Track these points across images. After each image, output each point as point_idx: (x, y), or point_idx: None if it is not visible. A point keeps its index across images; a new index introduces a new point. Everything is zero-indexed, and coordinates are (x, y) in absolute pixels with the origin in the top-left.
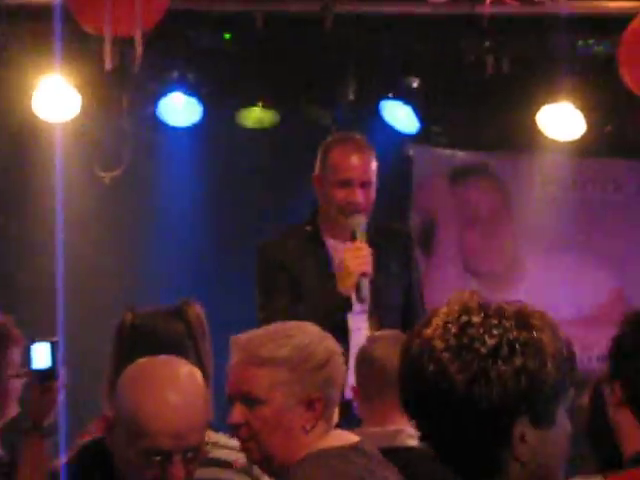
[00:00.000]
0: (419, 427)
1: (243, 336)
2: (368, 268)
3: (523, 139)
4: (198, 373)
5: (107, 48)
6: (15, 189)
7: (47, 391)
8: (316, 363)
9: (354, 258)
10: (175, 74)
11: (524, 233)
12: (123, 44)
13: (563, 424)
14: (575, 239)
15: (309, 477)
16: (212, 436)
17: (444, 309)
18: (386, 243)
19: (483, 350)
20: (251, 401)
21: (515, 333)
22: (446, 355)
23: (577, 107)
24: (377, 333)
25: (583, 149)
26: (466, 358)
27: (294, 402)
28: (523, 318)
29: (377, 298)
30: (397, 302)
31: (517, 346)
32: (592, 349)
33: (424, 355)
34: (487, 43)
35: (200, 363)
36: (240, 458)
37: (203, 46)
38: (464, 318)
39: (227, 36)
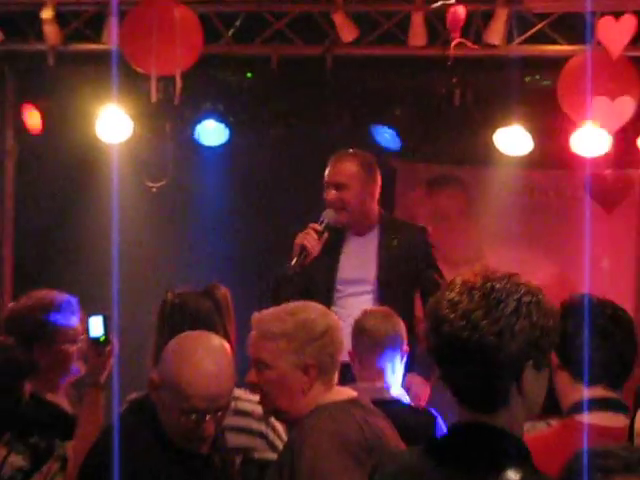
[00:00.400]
0: (444, 373)
1: (258, 314)
2: (306, 243)
3: (484, 155)
4: (227, 345)
5: (153, 84)
6: (82, 194)
7: (101, 355)
8: (312, 336)
9: (302, 234)
10: (208, 105)
11: (485, 229)
12: (166, 81)
13: (548, 369)
14: (525, 234)
15: (315, 426)
16: (235, 391)
17: (460, 279)
18: (405, 236)
19: (507, 310)
20: (262, 366)
21: (529, 296)
22: (478, 313)
23: (526, 129)
24: (369, 308)
25: (530, 163)
26: (495, 316)
27: (293, 368)
28: (528, 285)
29: (383, 276)
30: (403, 283)
31: (532, 306)
32: None
33: (454, 314)
34: (454, 79)
35: (226, 335)
36: (257, 409)
37: (229, 82)
38: (488, 285)
39: (249, 74)
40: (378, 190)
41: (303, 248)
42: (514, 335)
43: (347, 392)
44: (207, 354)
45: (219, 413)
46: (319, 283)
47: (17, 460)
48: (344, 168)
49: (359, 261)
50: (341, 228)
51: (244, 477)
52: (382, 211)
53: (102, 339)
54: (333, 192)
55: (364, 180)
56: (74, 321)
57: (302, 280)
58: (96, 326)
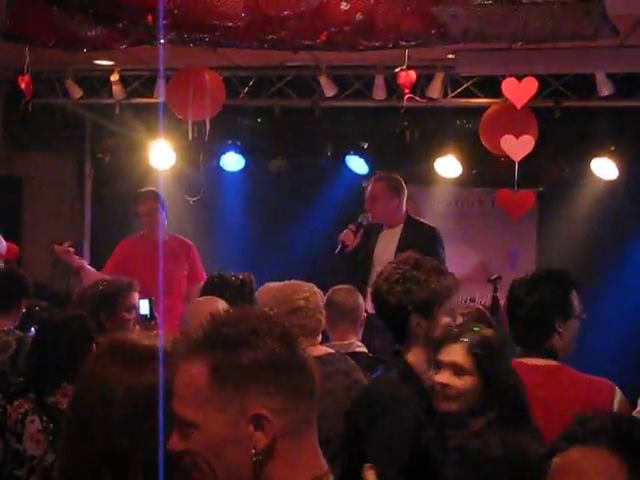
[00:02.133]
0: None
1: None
2: (343, 238)
3: (427, 177)
4: (227, 306)
5: (190, 127)
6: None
7: (147, 328)
8: (291, 308)
9: (343, 232)
10: (229, 141)
11: None
12: (199, 124)
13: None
14: (456, 234)
15: None
16: None
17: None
18: (415, 232)
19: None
20: None
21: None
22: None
23: (457, 159)
24: (337, 287)
25: (460, 182)
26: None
27: None
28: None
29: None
30: None
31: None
32: (466, 294)
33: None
34: (406, 123)
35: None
36: None
37: (244, 125)
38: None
39: (258, 120)
40: (402, 199)
41: (341, 242)
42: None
43: (325, 349)
44: (221, 303)
45: None
46: (362, 261)
47: None
48: (374, 187)
49: (386, 246)
50: (378, 223)
51: None
52: (408, 212)
53: (148, 316)
54: (367, 202)
55: (388, 196)
56: (132, 296)
57: (349, 261)
58: (144, 307)
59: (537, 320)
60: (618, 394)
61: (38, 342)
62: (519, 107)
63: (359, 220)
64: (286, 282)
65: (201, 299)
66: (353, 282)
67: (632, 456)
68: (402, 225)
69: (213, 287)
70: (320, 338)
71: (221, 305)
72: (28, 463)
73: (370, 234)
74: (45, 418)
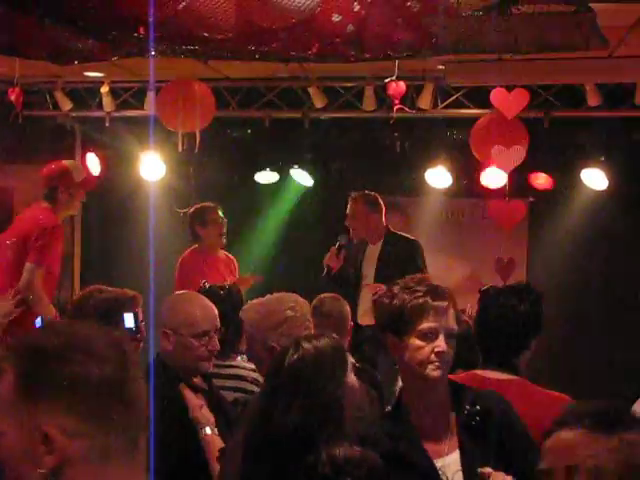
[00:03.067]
0: None
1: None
2: (327, 262)
3: (417, 188)
4: (206, 302)
5: (179, 139)
6: (129, 216)
7: (134, 340)
8: (279, 320)
9: (326, 256)
10: (219, 153)
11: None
12: (189, 136)
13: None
14: (446, 245)
15: None
16: (236, 360)
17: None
18: (394, 246)
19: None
20: None
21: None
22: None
23: (447, 169)
24: (322, 295)
25: (450, 193)
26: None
27: None
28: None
29: (378, 275)
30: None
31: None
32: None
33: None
34: (396, 134)
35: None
36: (251, 374)
37: (234, 137)
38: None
39: (248, 131)
40: (380, 214)
41: (326, 265)
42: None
43: None
44: (197, 297)
45: (217, 331)
46: (350, 280)
47: None
48: (352, 205)
49: (369, 262)
50: (363, 241)
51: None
52: (388, 227)
53: (133, 330)
54: (349, 221)
55: (366, 212)
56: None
57: (336, 281)
58: (129, 320)
59: (517, 334)
60: None
61: None
62: (509, 118)
63: (338, 241)
64: (268, 296)
65: (179, 293)
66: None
67: (608, 431)
68: (382, 241)
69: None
70: None
71: (199, 301)
72: None
73: (357, 252)
74: None
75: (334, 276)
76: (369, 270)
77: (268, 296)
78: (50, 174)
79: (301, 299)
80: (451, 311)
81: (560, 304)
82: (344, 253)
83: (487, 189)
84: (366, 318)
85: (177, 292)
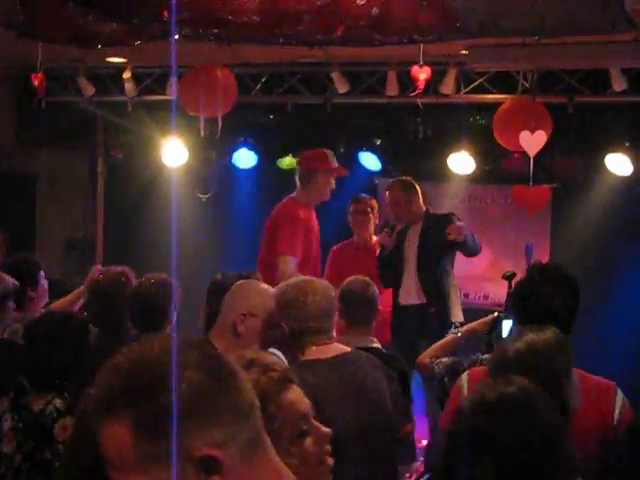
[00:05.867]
0: None
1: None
2: (382, 241)
3: (440, 173)
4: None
5: (202, 123)
6: (151, 203)
7: None
8: (287, 302)
9: (379, 236)
10: (241, 138)
11: None
12: (211, 122)
13: None
14: (469, 231)
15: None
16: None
17: None
18: (433, 226)
19: None
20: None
21: None
22: None
23: (470, 155)
24: (351, 277)
25: (473, 179)
26: None
27: None
28: None
29: (420, 257)
30: (432, 253)
31: None
32: (481, 291)
33: None
34: (418, 119)
35: None
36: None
37: (257, 122)
38: None
39: (271, 117)
40: (419, 197)
41: (380, 245)
42: None
43: (342, 347)
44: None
45: None
46: (396, 263)
47: (57, 402)
48: (392, 194)
49: (411, 244)
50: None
51: None
52: (427, 209)
53: None
54: (391, 208)
55: (405, 197)
56: None
57: (387, 263)
58: None
59: (568, 313)
60: (619, 394)
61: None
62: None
63: (390, 222)
64: (293, 278)
65: (241, 282)
66: (388, 282)
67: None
68: (422, 222)
69: (216, 287)
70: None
71: (263, 286)
72: (3, 461)
73: (400, 235)
74: (16, 417)
75: (386, 257)
76: (411, 253)
77: (293, 278)
78: (311, 157)
79: (322, 284)
80: None
81: (583, 290)
82: (396, 232)
83: (510, 175)
84: (407, 297)
85: (241, 282)
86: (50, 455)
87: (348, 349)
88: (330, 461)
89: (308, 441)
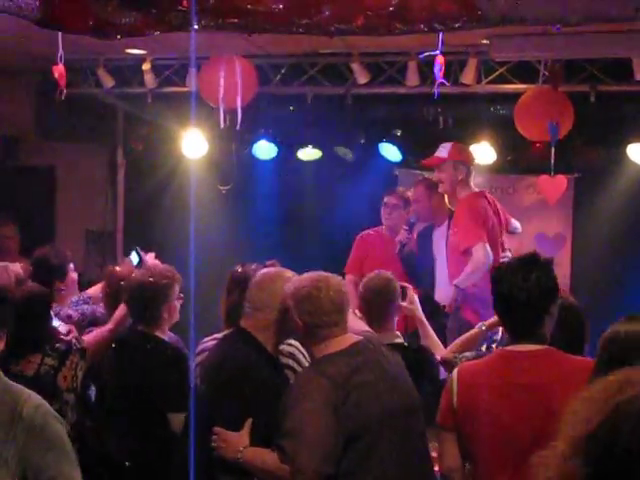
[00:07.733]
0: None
1: None
2: (400, 238)
3: None
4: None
5: (221, 115)
6: (171, 194)
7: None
8: (301, 297)
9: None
10: (262, 130)
11: None
12: (231, 113)
13: None
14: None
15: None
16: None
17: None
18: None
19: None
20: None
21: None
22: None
23: (491, 145)
24: (371, 273)
25: (494, 169)
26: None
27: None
28: None
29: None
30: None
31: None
32: None
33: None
34: (439, 109)
35: None
36: (286, 348)
37: (277, 113)
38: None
39: (291, 108)
40: (442, 197)
41: (399, 242)
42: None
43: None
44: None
45: None
46: (424, 263)
47: (49, 361)
48: (414, 191)
49: (437, 244)
50: (429, 225)
51: None
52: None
53: (139, 263)
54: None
55: (428, 195)
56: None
57: (409, 260)
58: (134, 258)
59: (537, 305)
60: None
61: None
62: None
63: (410, 219)
64: (310, 272)
65: (267, 271)
66: (417, 283)
67: None
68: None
69: (236, 278)
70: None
71: (288, 275)
72: None
73: (425, 237)
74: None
75: (407, 254)
76: (440, 251)
77: (310, 272)
78: (457, 149)
79: (335, 280)
80: None
81: (604, 279)
82: (414, 232)
83: (531, 165)
84: (441, 297)
85: (266, 270)
86: (58, 405)
87: (360, 337)
88: None
89: None
